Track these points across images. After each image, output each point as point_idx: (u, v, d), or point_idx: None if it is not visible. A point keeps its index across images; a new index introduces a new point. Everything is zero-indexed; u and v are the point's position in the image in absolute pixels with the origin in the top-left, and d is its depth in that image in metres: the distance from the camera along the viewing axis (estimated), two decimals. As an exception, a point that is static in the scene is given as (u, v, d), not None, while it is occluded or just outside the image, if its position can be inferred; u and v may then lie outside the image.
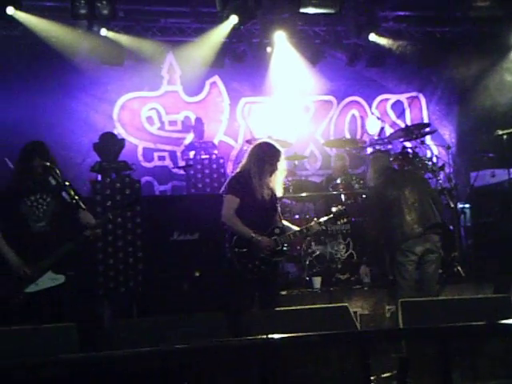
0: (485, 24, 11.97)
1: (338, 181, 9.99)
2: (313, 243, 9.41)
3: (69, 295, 6.26)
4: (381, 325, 8.36)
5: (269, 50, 11.74)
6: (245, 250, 6.57)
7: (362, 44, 11.96)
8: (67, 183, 6.13)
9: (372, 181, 8.46)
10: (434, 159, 10.37)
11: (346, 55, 12.20)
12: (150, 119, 11.95)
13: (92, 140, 9.57)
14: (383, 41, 11.88)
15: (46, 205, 6.20)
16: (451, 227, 9.93)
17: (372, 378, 4.55)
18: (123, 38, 11.07)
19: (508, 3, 10.75)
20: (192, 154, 11.38)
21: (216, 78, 12.22)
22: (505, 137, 8.45)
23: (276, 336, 4.10)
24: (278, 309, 6.03)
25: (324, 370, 4.43)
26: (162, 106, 12.00)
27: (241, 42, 11.66)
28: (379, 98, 12.92)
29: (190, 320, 5.10)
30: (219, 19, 11.01)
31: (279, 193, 6.96)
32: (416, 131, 10.27)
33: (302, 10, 10.84)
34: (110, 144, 9.19)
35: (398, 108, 12.98)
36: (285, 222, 7.03)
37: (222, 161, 11.16)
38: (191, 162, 11.04)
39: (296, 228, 6.96)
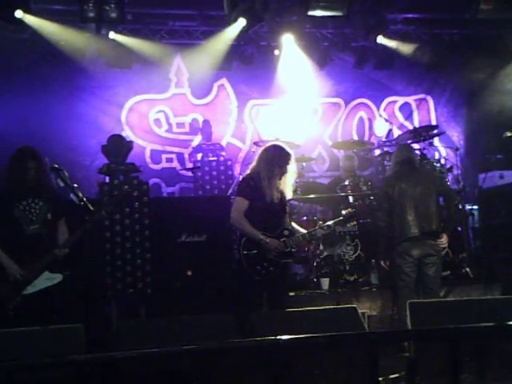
0: (493, 26, 11.98)
1: (346, 182, 9.98)
2: (321, 245, 9.41)
3: (68, 294, 6.31)
4: (389, 326, 8.34)
5: (277, 52, 11.77)
6: (254, 251, 6.58)
7: (370, 46, 11.96)
8: (75, 185, 6.18)
9: (390, 171, 8.33)
10: (442, 161, 10.36)
11: (354, 58, 12.22)
12: (157, 121, 11.97)
13: (100, 142, 9.59)
14: (391, 43, 11.88)
15: (38, 209, 6.29)
16: (459, 228, 9.92)
17: (380, 378, 4.55)
18: (131, 41, 11.12)
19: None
20: (200, 156, 11.39)
21: (224, 81, 12.25)
22: (513, 138, 8.44)
23: (284, 337, 4.10)
24: (286, 310, 6.04)
25: (332, 371, 4.44)
26: (169, 109, 12.03)
27: (249, 45, 11.68)
28: (387, 100, 12.91)
29: (199, 321, 5.11)
30: (227, 22, 11.03)
31: (289, 195, 6.98)
32: (424, 133, 10.25)
33: (310, 13, 10.83)
34: (118, 146, 9.20)
35: (406, 110, 12.97)
36: (293, 224, 7.04)
37: (229, 163, 11.16)
38: (199, 164, 11.04)
39: (304, 230, 6.98)
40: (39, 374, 3.78)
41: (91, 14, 9.86)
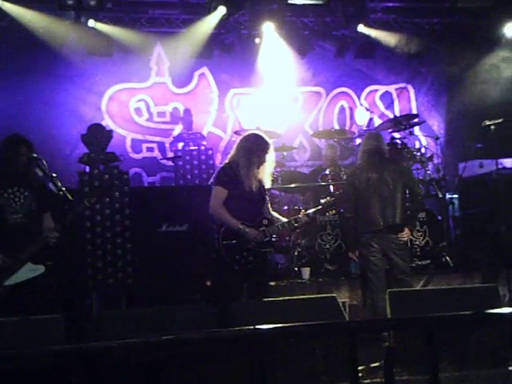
0: (473, 15, 12.02)
1: (327, 172, 9.99)
2: (301, 234, 9.42)
3: (50, 284, 6.27)
4: (369, 315, 8.36)
5: (257, 41, 11.73)
6: (233, 241, 6.58)
7: (351, 35, 11.97)
8: (54, 175, 6.14)
9: (358, 160, 8.09)
10: (423, 150, 10.37)
11: (335, 46, 12.21)
12: (138, 110, 11.91)
13: (80, 131, 9.53)
14: (372, 32, 11.89)
15: (23, 198, 6.22)
16: (439, 217, 9.97)
17: (361, 367, 4.57)
18: (111, 29, 11.04)
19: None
20: (181, 145, 11.36)
21: (204, 70, 12.19)
22: (492, 127, 8.42)
23: (264, 326, 4.10)
24: (266, 299, 6.05)
25: (312, 360, 4.45)
26: (150, 98, 11.97)
27: (229, 33, 11.64)
28: (368, 89, 12.91)
29: (179, 311, 5.10)
30: (207, 10, 10.99)
31: (268, 184, 6.97)
32: (404, 122, 10.28)
33: (291, 1, 10.87)
34: (98, 135, 9.16)
35: (387, 99, 12.98)
36: (274, 214, 7.04)
37: (210, 152, 11.14)
38: (180, 154, 11.01)
39: (284, 219, 6.98)
40: (17, 365, 3.75)
41: (70, 2, 9.80)
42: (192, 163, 10.90)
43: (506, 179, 9.43)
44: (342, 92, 12.80)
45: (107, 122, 11.45)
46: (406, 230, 7.59)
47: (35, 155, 6.21)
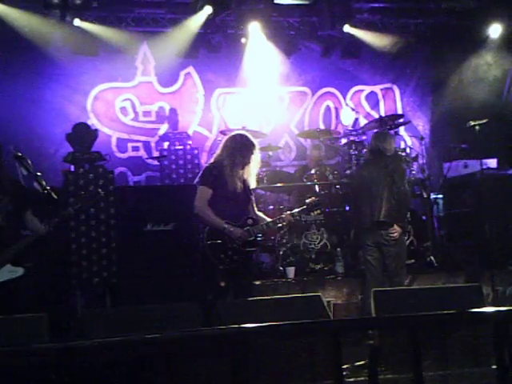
0: (458, 16, 12.08)
1: (313, 171, 10.01)
2: (287, 233, 9.44)
3: (30, 286, 6.24)
4: (354, 314, 8.40)
5: (243, 40, 11.72)
6: (218, 240, 6.59)
7: (337, 35, 12.00)
8: (39, 174, 6.11)
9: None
10: (408, 150, 10.41)
11: (321, 46, 12.24)
12: (124, 110, 11.88)
13: (65, 130, 9.51)
14: (358, 32, 11.92)
15: None
16: (424, 217, 10.02)
17: (346, 366, 4.58)
18: (97, 29, 11.01)
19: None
20: (166, 144, 11.35)
21: (190, 69, 12.17)
22: (477, 128, 8.48)
23: (249, 325, 4.11)
24: (251, 298, 6.06)
25: (296, 359, 4.45)
26: (136, 97, 11.93)
27: (215, 33, 11.62)
28: (353, 89, 12.93)
29: (164, 310, 5.10)
30: (193, 10, 10.98)
31: (253, 184, 6.99)
32: (390, 122, 10.33)
33: (277, 1, 10.88)
34: (83, 134, 9.15)
35: (372, 99, 13.01)
36: (259, 213, 7.06)
37: (196, 151, 11.13)
38: (165, 153, 11.01)
39: (269, 219, 7.00)
40: (1, 363, 3.74)
41: (55, 1, 9.81)
42: (177, 163, 10.90)
43: (490, 179, 9.49)
44: (328, 92, 12.82)
45: (93, 121, 11.41)
46: (395, 226, 7.76)
47: (20, 154, 6.18)
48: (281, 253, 9.34)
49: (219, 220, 6.59)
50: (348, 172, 10.04)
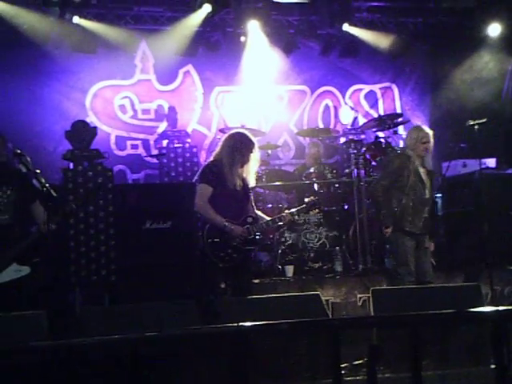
0: (457, 16, 12.08)
1: (311, 170, 10.01)
2: (285, 232, 9.44)
3: (35, 285, 6.24)
4: (353, 313, 8.40)
5: (242, 39, 11.71)
6: (217, 238, 6.59)
7: (336, 34, 11.98)
8: (38, 171, 6.11)
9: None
10: (407, 149, 10.39)
11: (320, 45, 12.23)
12: (122, 108, 11.87)
13: (64, 128, 9.48)
14: (357, 31, 11.92)
15: (6, 197, 6.19)
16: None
17: (344, 365, 4.59)
18: (96, 26, 10.99)
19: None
20: (165, 142, 11.35)
21: (189, 67, 12.17)
22: (476, 127, 8.46)
23: (247, 324, 4.11)
24: (250, 297, 6.06)
25: (295, 358, 4.46)
26: (135, 95, 11.92)
27: (214, 31, 11.60)
28: (352, 88, 12.93)
29: (163, 308, 5.10)
30: (192, 8, 10.97)
31: (252, 183, 6.99)
32: (389, 121, 10.32)
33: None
34: (82, 132, 9.13)
35: (371, 98, 13.01)
36: (258, 212, 7.06)
37: (195, 150, 11.13)
38: (164, 151, 11.01)
39: (268, 218, 7.00)
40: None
41: (55, -2, 9.76)
42: (176, 161, 10.89)
43: (489, 179, 9.48)
44: (327, 91, 12.81)
45: (91, 119, 11.40)
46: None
47: (19, 151, 6.17)
48: (279, 251, 9.34)
49: (220, 218, 6.60)
50: (347, 171, 10.04)
